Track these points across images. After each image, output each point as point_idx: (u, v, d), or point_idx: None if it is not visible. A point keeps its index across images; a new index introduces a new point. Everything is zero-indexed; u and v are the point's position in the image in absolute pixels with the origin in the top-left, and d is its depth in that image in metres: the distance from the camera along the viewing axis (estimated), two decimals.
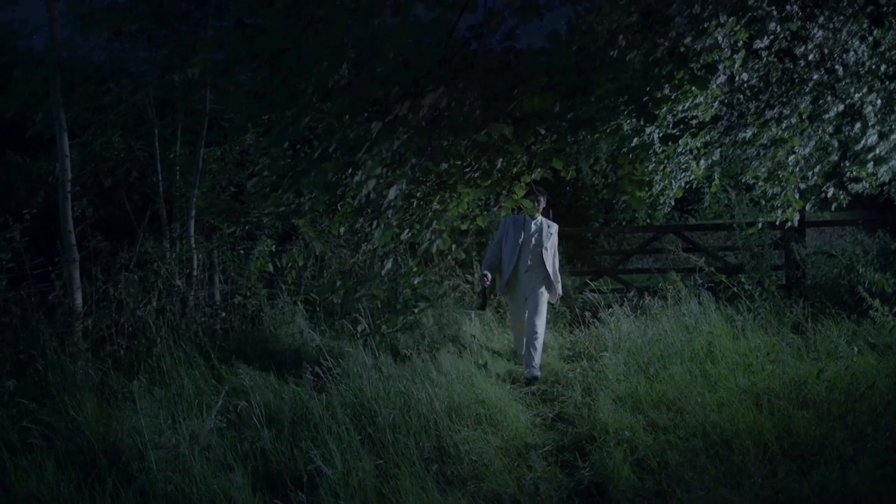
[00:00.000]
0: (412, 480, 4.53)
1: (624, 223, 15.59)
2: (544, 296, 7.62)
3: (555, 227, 7.75)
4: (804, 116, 6.42)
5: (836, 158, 7.16)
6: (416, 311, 4.52)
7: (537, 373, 7.30)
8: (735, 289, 8.58)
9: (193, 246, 8.81)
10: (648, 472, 4.83)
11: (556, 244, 7.73)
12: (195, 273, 8.52)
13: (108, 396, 6.05)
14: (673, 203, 7.00)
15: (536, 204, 7.33)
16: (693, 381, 6.25)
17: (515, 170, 5.03)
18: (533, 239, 7.54)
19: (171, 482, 4.50)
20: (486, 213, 5.41)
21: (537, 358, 7.42)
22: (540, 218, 7.63)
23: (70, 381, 6.13)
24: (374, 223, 4.65)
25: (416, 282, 4.71)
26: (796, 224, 7.43)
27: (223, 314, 7.87)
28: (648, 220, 16.55)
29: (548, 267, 7.55)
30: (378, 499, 4.41)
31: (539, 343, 7.44)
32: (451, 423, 5.33)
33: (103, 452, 5.07)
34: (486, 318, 8.94)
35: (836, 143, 7.07)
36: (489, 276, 7.54)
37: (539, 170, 5.04)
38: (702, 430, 5.24)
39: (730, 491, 4.25)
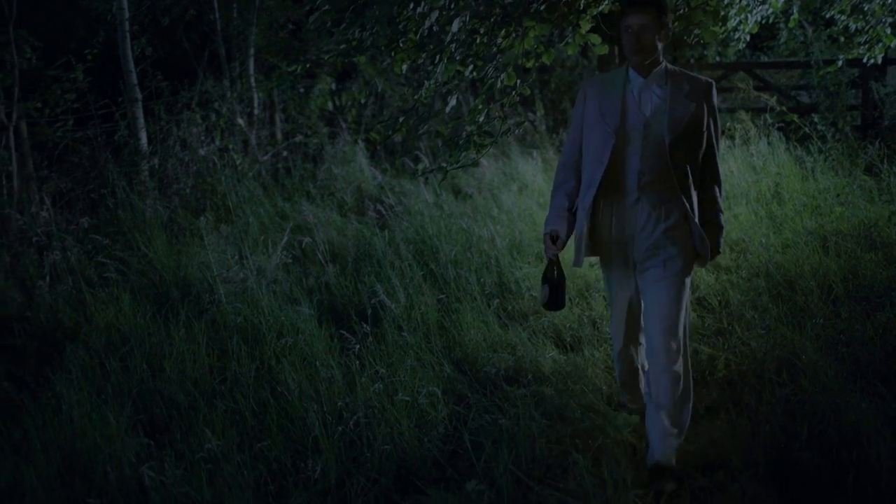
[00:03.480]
0: (473, 315, 4.62)
1: (692, 60, 14.99)
2: (685, 271, 3.41)
3: (702, 86, 3.40)
4: None
5: None
6: (479, 147, 4.45)
7: (670, 455, 3.29)
8: (807, 129, 8.27)
9: (253, 85, 8.76)
10: (709, 310, 4.84)
11: (718, 134, 3.50)
12: (256, 112, 8.52)
13: (176, 233, 6.23)
14: (748, 39, 6.60)
15: (661, 30, 3.34)
16: (758, 222, 6.15)
17: (583, 1, 4.77)
18: (650, 122, 3.33)
19: (240, 314, 4.67)
20: (551, 49, 5.18)
21: (673, 423, 3.33)
22: (663, 66, 3.38)
23: (140, 219, 6.30)
24: (437, 58, 4.51)
25: (480, 119, 4.61)
26: (879, 62, 7.01)
27: (285, 153, 7.91)
28: (718, 58, 15.88)
29: (691, 190, 3.39)
30: (440, 332, 4.52)
31: (683, 393, 3.41)
32: (512, 260, 5.37)
33: (175, 286, 5.26)
34: (549, 158, 8.61)
35: None
36: (562, 234, 3.45)
37: (607, 2, 4.78)
38: (765, 271, 5.19)
39: (791, 330, 4.24)
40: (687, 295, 3.44)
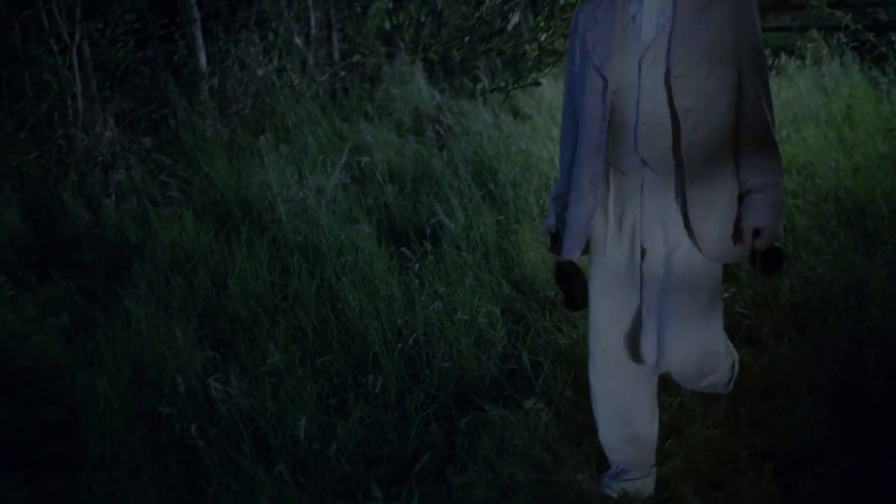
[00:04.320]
0: (532, 235, 4.59)
1: None
2: (711, 267, 2.45)
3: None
4: None
5: None
6: (543, 66, 4.33)
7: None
8: (883, 48, 7.92)
9: (310, 4, 8.67)
10: None
11: (760, 68, 2.40)
12: (313, 32, 8.46)
13: (236, 153, 6.29)
14: None
15: None
16: (828, 145, 5.96)
17: None
18: (649, 50, 2.35)
19: (300, 232, 4.72)
20: None
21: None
22: None
23: (200, 139, 6.37)
24: None
25: (542, 38, 4.49)
26: None
27: (342, 73, 7.87)
28: None
29: (710, 151, 2.36)
30: (499, 252, 4.51)
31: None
32: None
33: (236, 205, 5.33)
34: None
35: None
36: (559, 231, 2.67)
37: None
38: (833, 196, 5.04)
39: (860, 257, 4.13)
40: (717, 302, 2.52)
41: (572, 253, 2.56)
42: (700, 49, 2.29)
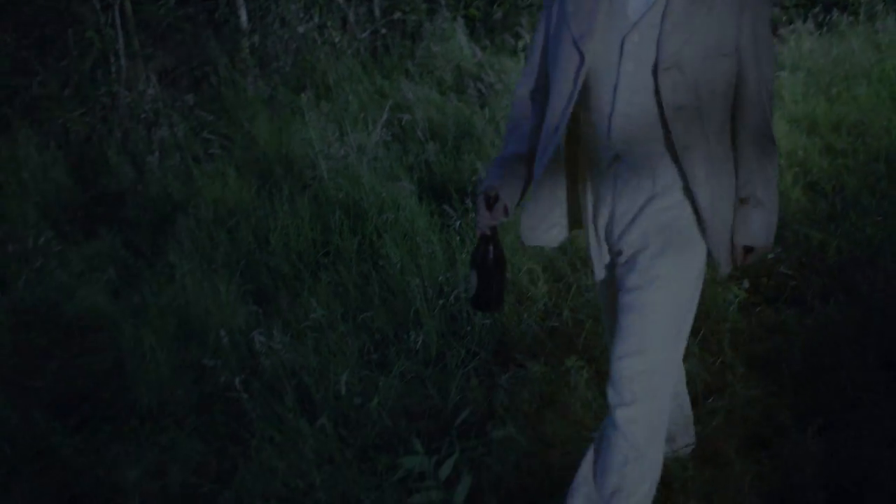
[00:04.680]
0: None
1: None
2: (681, 277, 2.11)
3: None
4: None
5: None
6: None
7: None
8: None
9: None
10: (821, 195, 4.63)
11: (766, 58, 2.05)
12: None
13: (277, 110, 6.29)
14: None
15: None
16: (880, 103, 5.79)
17: None
18: (635, 32, 1.99)
19: (341, 189, 4.72)
20: None
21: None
22: None
23: (242, 96, 6.39)
24: None
25: None
26: None
27: (383, 30, 7.81)
28: None
29: (704, 152, 2.03)
30: None
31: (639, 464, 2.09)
32: None
33: (277, 162, 5.35)
34: None
35: None
36: (504, 195, 2.17)
37: None
38: (885, 155, 4.92)
39: None
40: (684, 315, 2.16)
41: (535, 237, 2.31)
42: (696, 38, 1.97)
